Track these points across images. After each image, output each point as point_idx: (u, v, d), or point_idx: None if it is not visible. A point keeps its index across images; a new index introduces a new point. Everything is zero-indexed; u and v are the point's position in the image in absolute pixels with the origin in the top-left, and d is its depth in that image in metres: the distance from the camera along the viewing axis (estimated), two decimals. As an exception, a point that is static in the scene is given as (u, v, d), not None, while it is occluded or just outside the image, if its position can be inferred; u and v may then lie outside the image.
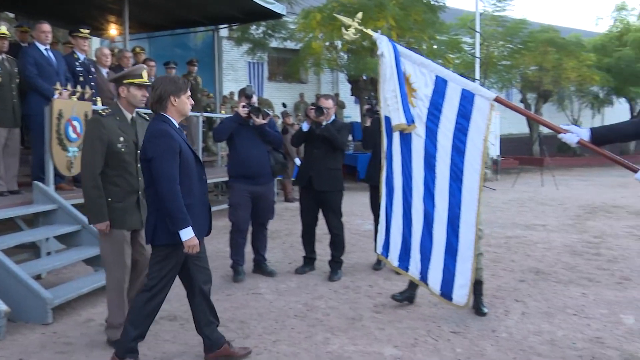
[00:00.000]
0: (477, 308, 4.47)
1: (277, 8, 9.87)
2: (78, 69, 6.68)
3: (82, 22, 10.73)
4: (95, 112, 3.75)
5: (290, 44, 16.43)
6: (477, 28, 15.32)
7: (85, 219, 5.55)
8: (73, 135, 5.93)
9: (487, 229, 8.23)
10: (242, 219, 5.53)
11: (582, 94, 23.25)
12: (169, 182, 3.20)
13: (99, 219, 3.69)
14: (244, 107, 5.40)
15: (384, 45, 3.55)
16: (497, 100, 3.55)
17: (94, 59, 7.28)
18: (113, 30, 11.37)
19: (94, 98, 6.73)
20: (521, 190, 13.32)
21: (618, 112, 24.37)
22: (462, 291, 3.49)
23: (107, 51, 7.27)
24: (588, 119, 24.72)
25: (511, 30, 18.87)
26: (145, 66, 3.87)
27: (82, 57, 6.76)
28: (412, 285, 4.58)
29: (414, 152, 3.59)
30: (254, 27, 15.34)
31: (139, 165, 3.67)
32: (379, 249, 3.70)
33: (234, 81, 18.54)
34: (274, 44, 16.47)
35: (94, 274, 5.34)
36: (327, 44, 15.16)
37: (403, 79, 3.53)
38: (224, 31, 17.49)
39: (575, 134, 3.38)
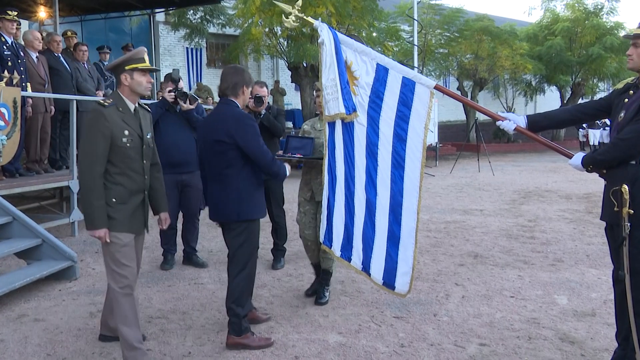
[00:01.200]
0: (319, 297, 4.63)
1: (215, -8, 9.65)
2: (6, 53, 6.32)
3: (9, 4, 10.22)
4: (97, 103, 3.36)
5: (229, 30, 16.19)
6: (415, 16, 15.53)
7: (15, 210, 5.32)
8: (1, 123, 5.63)
9: (427, 214, 8.41)
10: (170, 210, 5.33)
11: (516, 81, 24.05)
12: (267, 156, 3.67)
13: (96, 224, 3.23)
14: (170, 91, 5.20)
15: (325, 33, 3.50)
16: (436, 88, 3.58)
17: (22, 42, 6.90)
18: (42, 12, 10.83)
19: (23, 84, 6.41)
20: (459, 176, 13.67)
21: (549, 100, 25.37)
22: (404, 279, 3.51)
23: (37, 34, 6.92)
24: (521, 107, 25.62)
25: (448, 18, 19.27)
26: (145, 49, 3.53)
27: (9, 40, 6.40)
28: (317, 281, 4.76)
29: (356, 140, 3.56)
30: (191, 12, 14.98)
31: (145, 161, 3.47)
32: (322, 239, 3.68)
33: (171, 67, 17.97)
34: (212, 29, 16.18)
35: (26, 267, 5.16)
36: (267, 30, 15.01)
37: (344, 67, 3.50)
38: (160, 16, 17.01)
39: (513, 121, 3.46)
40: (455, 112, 22.38)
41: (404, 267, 3.51)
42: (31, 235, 5.27)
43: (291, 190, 6.33)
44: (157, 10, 11.88)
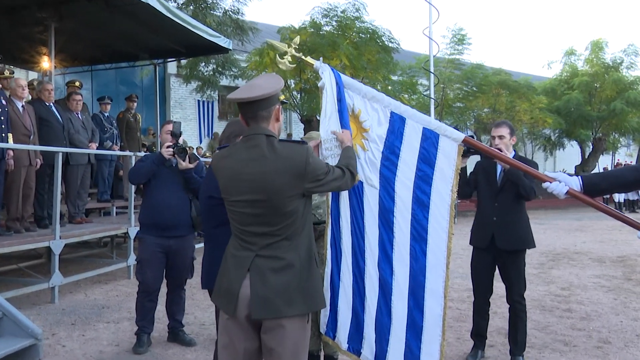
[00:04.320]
0: None
1: (222, 42, 9.23)
2: (-15, 101, 5.82)
3: (12, 56, 9.93)
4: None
5: (241, 82, 15.89)
6: (431, 69, 15.10)
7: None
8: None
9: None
10: (152, 278, 4.69)
11: (535, 136, 23.44)
12: None
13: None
14: (168, 147, 4.63)
15: (326, 76, 2.89)
16: (466, 142, 2.93)
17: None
18: (45, 63, 10.48)
19: (2, 134, 5.88)
20: (480, 235, 12.83)
21: (569, 155, 24.66)
22: (428, 378, 2.77)
23: (21, 82, 6.43)
24: (541, 161, 24.92)
25: (468, 73, 18.91)
26: None
27: (-10, 88, 5.91)
28: None
29: (367, 206, 2.90)
30: (202, 64, 14.72)
31: None
32: (323, 328, 2.96)
33: (182, 119, 17.73)
34: (224, 81, 15.86)
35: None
36: (280, 83, 14.68)
37: (347, 117, 2.86)
38: (172, 68, 16.81)
39: (564, 183, 2.76)
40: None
41: (427, 364, 2.76)
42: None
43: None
44: (160, 60, 11.50)
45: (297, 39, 3.06)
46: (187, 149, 4.67)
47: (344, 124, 2.83)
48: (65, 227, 6.96)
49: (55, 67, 10.41)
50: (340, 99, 2.86)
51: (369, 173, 2.91)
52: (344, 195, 2.92)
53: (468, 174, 4.62)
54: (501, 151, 4.03)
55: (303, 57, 3.00)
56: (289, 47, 3.00)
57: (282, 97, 2.58)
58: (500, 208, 4.39)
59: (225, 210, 2.94)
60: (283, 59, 3.00)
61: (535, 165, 4.25)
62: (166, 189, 4.62)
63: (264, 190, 2.36)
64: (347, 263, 2.94)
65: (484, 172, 4.53)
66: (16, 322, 4.51)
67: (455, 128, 3.40)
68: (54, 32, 7.72)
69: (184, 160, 4.57)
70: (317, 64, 2.99)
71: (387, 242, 2.90)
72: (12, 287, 5.99)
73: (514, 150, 4.50)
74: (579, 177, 2.83)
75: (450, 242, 2.87)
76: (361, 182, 2.91)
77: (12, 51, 9.75)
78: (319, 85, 2.94)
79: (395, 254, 2.89)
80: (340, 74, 2.97)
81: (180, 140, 4.73)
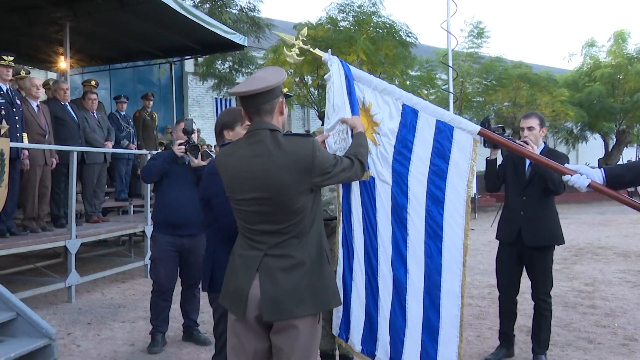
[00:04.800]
0: None
1: (238, 39, 9.17)
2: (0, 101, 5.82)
3: (28, 55, 9.98)
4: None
5: (258, 80, 15.83)
6: (450, 63, 14.91)
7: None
8: (-15, 177, 5.07)
9: (467, 276, 7.44)
10: (164, 277, 4.65)
11: (556, 129, 23.03)
12: None
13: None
14: (180, 144, 4.56)
15: (335, 68, 2.78)
16: (481, 134, 2.81)
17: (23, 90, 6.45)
18: (63, 63, 10.54)
19: (17, 134, 5.88)
20: (501, 231, 12.63)
21: (592, 148, 24.21)
22: (444, 380, 2.66)
23: (36, 81, 6.43)
24: (563, 155, 24.39)
25: (487, 67, 18.61)
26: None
27: (4, 88, 5.90)
28: None
29: (379, 202, 2.78)
30: (219, 61, 14.69)
31: None
32: (335, 330, 2.86)
33: (200, 117, 17.77)
34: (241, 79, 15.82)
35: (-1, 345, 4.46)
36: (297, 79, 14.61)
37: (358, 111, 2.75)
38: (189, 66, 16.82)
39: (586, 176, 2.63)
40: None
41: (444, 367, 2.66)
42: (4, 308, 4.54)
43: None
44: (175, 59, 11.49)
45: (304, 31, 2.94)
46: (199, 146, 4.60)
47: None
48: (81, 226, 6.97)
49: (72, 66, 10.47)
50: (350, 92, 2.75)
51: (380, 168, 2.80)
52: (355, 192, 2.82)
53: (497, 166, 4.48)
54: (527, 144, 3.91)
55: (311, 49, 2.90)
56: (296, 39, 2.89)
57: (285, 90, 2.47)
58: (528, 202, 4.23)
59: (213, 211, 2.89)
60: (290, 51, 2.88)
61: (565, 158, 4.08)
62: (178, 187, 4.58)
63: (269, 187, 2.27)
64: (359, 262, 2.84)
65: (512, 164, 4.36)
66: (30, 322, 4.50)
67: (487, 123, 3.29)
68: (69, 32, 7.73)
69: (196, 158, 4.52)
70: (325, 55, 2.88)
71: (400, 240, 2.79)
72: (29, 286, 6.01)
73: (544, 143, 4.33)
74: (602, 169, 2.69)
75: (466, 239, 2.75)
76: (373, 178, 2.80)
77: (30, 51, 9.80)
78: (325, 77, 2.84)
79: (409, 252, 2.78)
80: (349, 66, 2.86)
81: (196, 138, 4.68)
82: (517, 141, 3.91)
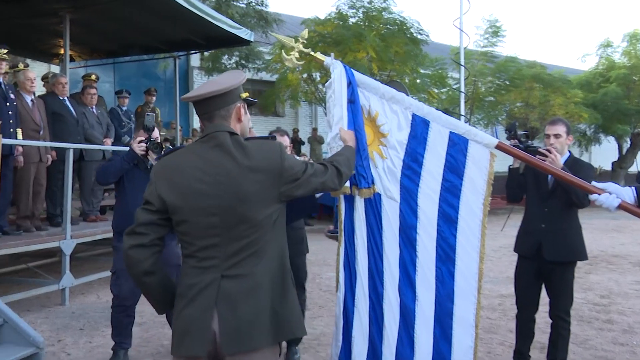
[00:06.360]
0: None
1: (243, 33, 8.89)
2: (-7, 95, 5.62)
3: (30, 47, 9.76)
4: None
5: (265, 75, 15.55)
6: (461, 61, 14.59)
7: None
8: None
9: (477, 285, 7.19)
10: (128, 290, 4.21)
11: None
12: None
13: None
14: (140, 142, 4.15)
15: (337, 74, 2.55)
16: (499, 147, 2.58)
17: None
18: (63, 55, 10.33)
19: (11, 129, 5.67)
20: (511, 235, 12.20)
21: (605, 151, 23.80)
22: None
23: (31, 75, 6.21)
24: (575, 158, 24.00)
25: (500, 66, 18.25)
26: None
27: (-3, 81, 5.70)
28: None
29: (385, 221, 2.55)
30: (225, 56, 14.42)
31: None
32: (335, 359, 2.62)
33: (205, 113, 17.53)
34: (248, 74, 15.56)
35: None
36: (305, 75, 14.34)
37: (362, 120, 2.50)
38: (195, 60, 16.57)
39: (615, 195, 2.36)
40: (504, 162, 21.00)
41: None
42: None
43: (321, 249, 5.27)
44: (180, 53, 11.23)
45: (304, 33, 2.74)
46: (163, 143, 4.22)
47: (357, 129, 2.47)
48: (78, 225, 6.74)
49: (74, 59, 10.25)
50: (354, 100, 2.51)
51: (387, 184, 2.55)
52: (359, 209, 2.57)
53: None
54: (550, 153, 3.64)
55: (312, 52, 2.68)
56: (295, 42, 2.68)
57: (245, 95, 2.21)
58: (549, 214, 3.96)
59: None
60: (290, 55, 2.67)
61: (591, 169, 3.86)
62: (140, 193, 4.17)
63: (230, 195, 2.01)
64: (362, 287, 2.60)
65: (533, 173, 4.08)
66: (17, 330, 4.28)
67: (514, 130, 3.09)
68: (69, 23, 7.50)
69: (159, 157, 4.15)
70: (327, 60, 2.66)
71: (409, 262, 2.56)
72: (21, 287, 5.83)
73: (569, 152, 4.06)
74: (633, 188, 2.43)
75: (482, 264, 2.54)
76: (379, 194, 2.56)
77: (30, 43, 9.58)
78: (325, 85, 2.62)
79: (418, 276, 2.56)
80: (354, 71, 2.62)
81: (157, 135, 4.30)
82: (541, 149, 3.69)
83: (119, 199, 4.36)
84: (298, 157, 4.39)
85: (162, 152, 4.11)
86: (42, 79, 8.08)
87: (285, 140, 4.36)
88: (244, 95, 2.19)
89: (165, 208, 2.10)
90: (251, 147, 2.08)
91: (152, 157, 4.15)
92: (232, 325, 2.01)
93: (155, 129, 4.25)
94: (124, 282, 4.18)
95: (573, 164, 3.87)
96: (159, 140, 4.21)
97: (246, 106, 2.23)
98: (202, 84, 2.29)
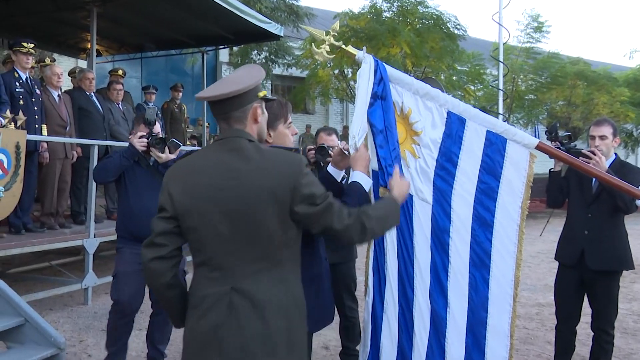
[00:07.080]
0: None
1: (273, 28, 8.72)
2: (18, 90, 5.57)
3: (57, 42, 9.80)
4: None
5: (295, 71, 15.39)
6: (500, 58, 14.14)
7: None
8: (-2, 172, 4.80)
9: (514, 292, 6.86)
10: (130, 296, 3.92)
11: (614, 131, 21.90)
12: None
13: None
14: (141, 137, 3.90)
15: (365, 69, 2.38)
16: (539, 148, 2.39)
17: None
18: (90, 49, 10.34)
19: (36, 125, 5.61)
20: (551, 240, 11.78)
21: (652, 153, 22.98)
22: None
23: (58, 70, 6.16)
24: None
25: (542, 63, 17.67)
26: None
27: (23, 76, 5.65)
28: None
29: (417, 224, 2.43)
30: (255, 52, 14.30)
31: None
32: (363, 367, 2.49)
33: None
34: (277, 70, 15.42)
35: (5, 353, 4.15)
36: (336, 72, 14.13)
37: (394, 118, 2.33)
38: (224, 56, 16.49)
39: (664, 200, 2.14)
40: (544, 163, 20.38)
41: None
42: (13, 313, 4.21)
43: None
44: (208, 48, 11.15)
45: (336, 25, 2.60)
46: (165, 137, 3.97)
47: (388, 126, 2.27)
48: (102, 223, 6.65)
49: (101, 54, 10.25)
50: (385, 97, 2.35)
51: (420, 184, 2.41)
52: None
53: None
54: (594, 155, 3.42)
55: (344, 46, 2.55)
56: (326, 35, 2.55)
57: (263, 94, 2.02)
58: (593, 220, 3.73)
59: None
60: (320, 48, 2.56)
61: (639, 173, 3.60)
62: (142, 191, 3.92)
63: (247, 198, 1.88)
64: (392, 292, 2.48)
65: (576, 177, 3.85)
66: (39, 329, 4.16)
67: (555, 132, 2.90)
68: (96, 17, 7.46)
69: (162, 152, 3.90)
70: (359, 54, 2.53)
71: (441, 268, 2.44)
72: (44, 286, 5.79)
73: (615, 154, 3.81)
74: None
75: (518, 270, 2.39)
76: (411, 196, 2.40)
77: (57, 38, 9.64)
78: (357, 74, 2.46)
79: (450, 283, 2.44)
80: (386, 66, 2.46)
81: (159, 129, 4.05)
82: (584, 150, 3.44)
83: (121, 202, 4.15)
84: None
85: (165, 146, 3.92)
86: (69, 74, 8.05)
87: (334, 140, 4.03)
88: (262, 94, 2.07)
89: (177, 213, 2.01)
90: (271, 152, 2.02)
91: (154, 153, 3.93)
92: (240, 342, 1.89)
93: (157, 122, 4.00)
94: (125, 286, 3.92)
95: (620, 167, 3.67)
96: (160, 135, 3.98)
97: (264, 105, 2.10)
98: (218, 81, 2.17)
